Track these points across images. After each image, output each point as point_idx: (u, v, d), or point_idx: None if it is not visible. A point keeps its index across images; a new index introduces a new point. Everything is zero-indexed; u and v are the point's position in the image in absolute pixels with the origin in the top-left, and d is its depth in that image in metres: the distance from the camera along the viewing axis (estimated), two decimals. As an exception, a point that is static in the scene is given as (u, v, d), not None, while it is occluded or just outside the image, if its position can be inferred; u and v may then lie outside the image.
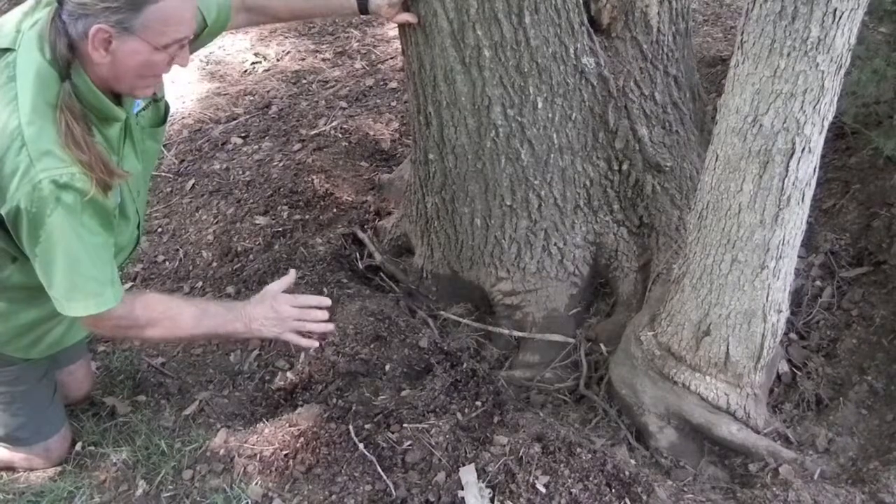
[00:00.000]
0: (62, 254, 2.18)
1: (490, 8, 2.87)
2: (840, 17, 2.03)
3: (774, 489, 2.56)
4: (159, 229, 4.38)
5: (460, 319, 3.60)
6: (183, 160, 4.98)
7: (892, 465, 2.58)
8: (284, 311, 2.58)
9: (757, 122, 2.25)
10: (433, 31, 2.99)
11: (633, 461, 2.79)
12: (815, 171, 2.34)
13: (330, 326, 2.66)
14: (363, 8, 2.92)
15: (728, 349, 2.71)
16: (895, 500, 2.45)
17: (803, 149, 2.25)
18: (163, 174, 4.84)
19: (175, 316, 2.49)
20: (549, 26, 2.95)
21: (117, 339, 2.76)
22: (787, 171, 2.28)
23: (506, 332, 3.48)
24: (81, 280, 2.24)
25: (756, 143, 2.28)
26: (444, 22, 2.94)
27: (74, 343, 2.85)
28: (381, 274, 3.93)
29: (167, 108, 2.66)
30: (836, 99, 2.22)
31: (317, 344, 2.69)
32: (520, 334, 3.44)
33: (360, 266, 3.96)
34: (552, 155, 3.21)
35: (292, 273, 2.75)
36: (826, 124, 2.25)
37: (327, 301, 2.66)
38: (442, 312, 3.65)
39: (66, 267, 2.20)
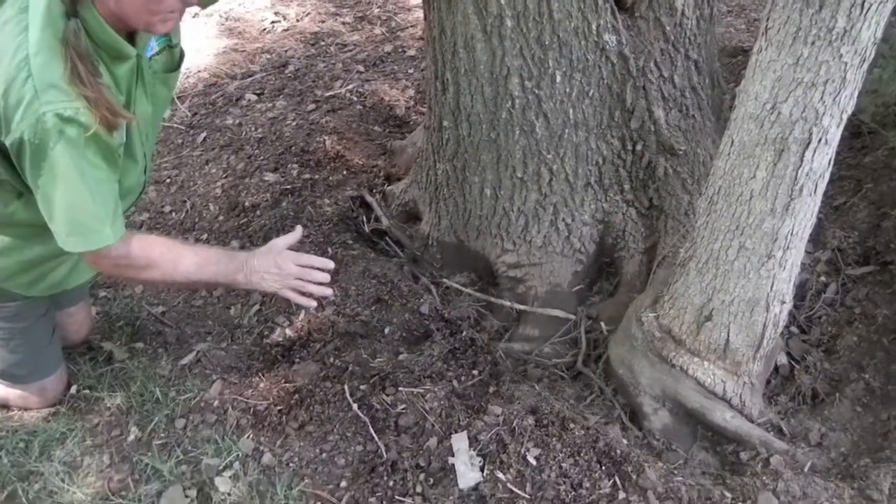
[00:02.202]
0: (63, 188, 2.18)
1: (515, -23, 2.86)
2: (868, 9, 2.01)
3: (764, 478, 2.56)
4: (168, 180, 4.38)
5: (463, 288, 3.60)
6: (196, 113, 4.97)
7: (882, 463, 2.58)
8: (287, 268, 2.59)
9: (775, 109, 2.23)
10: (456, -2, 2.98)
11: (625, 441, 2.79)
12: (829, 163, 2.33)
13: (328, 290, 2.67)
14: None
15: (728, 336, 2.71)
16: (884, 499, 2.45)
17: (820, 140, 2.23)
18: (175, 126, 4.84)
19: (175, 259, 2.49)
20: (573, 0, 2.93)
21: (117, 277, 2.77)
22: (801, 160, 2.27)
23: (507, 304, 3.47)
24: (81, 215, 2.25)
25: (773, 130, 2.26)
26: (467, -12, 2.92)
27: (77, 285, 2.85)
28: (387, 238, 3.93)
29: (182, 54, 2.65)
30: (856, 92, 2.21)
31: (314, 304, 2.68)
32: (521, 307, 3.44)
33: (367, 229, 3.96)
34: (567, 130, 3.20)
35: (299, 230, 2.74)
36: (845, 117, 2.24)
37: (330, 264, 2.66)
38: (445, 280, 3.65)
39: (66, 201, 2.21)
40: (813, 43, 2.09)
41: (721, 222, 2.53)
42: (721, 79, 3.63)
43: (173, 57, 2.61)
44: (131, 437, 2.87)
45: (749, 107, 2.31)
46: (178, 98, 5.11)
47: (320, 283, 2.64)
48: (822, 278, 3.28)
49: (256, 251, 2.62)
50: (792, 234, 2.45)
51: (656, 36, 3.16)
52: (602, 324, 3.29)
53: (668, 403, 2.88)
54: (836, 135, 2.27)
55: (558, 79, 3.08)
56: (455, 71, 3.18)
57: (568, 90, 3.12)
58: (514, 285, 3.48)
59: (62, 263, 2.71)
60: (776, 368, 3.03)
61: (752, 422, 2.82)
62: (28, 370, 2.93)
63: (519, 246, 3.45)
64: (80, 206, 2.23)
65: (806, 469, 2.64)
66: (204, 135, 4.71)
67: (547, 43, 3.00)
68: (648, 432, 2.88)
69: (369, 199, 4.08)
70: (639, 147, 3.28)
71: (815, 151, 2.26)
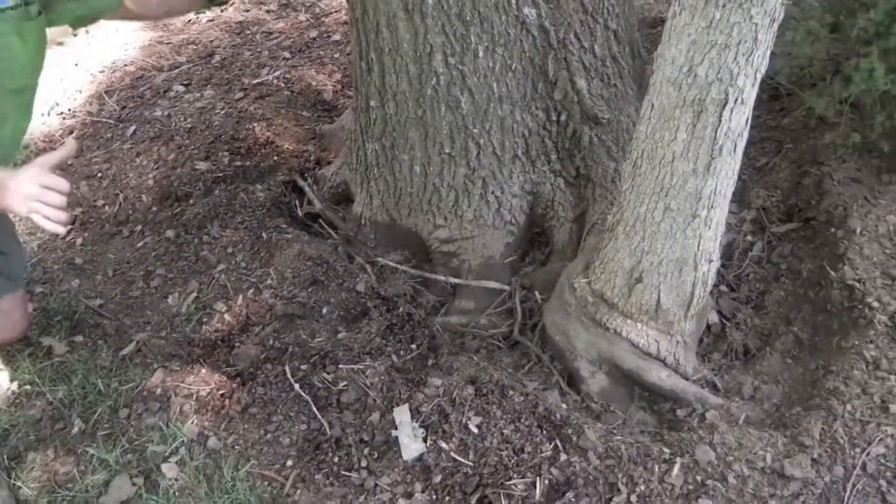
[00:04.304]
0: None
1: (434, -46, 2.88)
2: (773, -30, 2.07)
3: (701, 432, 2.62)
4: (99, 174, 4.34)
5: (398, 266, 3.62)
6: (124, 107, 4.94)
7: (813, 410, 2.65)
8: (25, 188, 2.29)
9: (692, 71, 2.28)
10: (377, -23, 2.99)
11: (564, 405, 2.84)
12: (747, 122, 2.39)
13: (63, 216, 2.31)
14: None
15: (659, 297, 2.76)
16: (815, 444, 2.52)
17: (736, 99, 2.29)
18: (104, 120, 4.80)
19: None
20: (492, -25, 2.96)
21: None
22: (720, 120, 2.32)
23: (442, 278, 3.51)
24: None
25: (690, 92, 2.31)
26: (387, -33, 2.94)
27: None
28: (321, 221, 3.95)
29: (40, 13, 2.61)
30: (768, 52, 2.26)
31: (62, 230, 2.36)
32: (456, 281, 3.48)
33: (300, 213, 3.98)
34: (492, 104, 3.23)
35: (70, 142, 2.52)
36: (759, 76, 2.29)
37: (65, 185, 2.32)
38: (379, 259, 3.67)
39: None
40: (724, 5, 2.14)
41: (646, 185, 2.58)
42: (641, 48, 3.69)
43: (29, 14, 2.56)
44: (75, 430, 2.88)
45: (666, 71, 2.35)
46: (106, 93, 5.08)
47: (55, 207, 2.30)
48: (749, 237, 3.35)
49: (19, 168, 2.36)
50: (715, 193, 2.50)
51: (575, 7, 3.20)
52: (536, 293, 3.34)
53: (604, 366, 2.93)
54: (751, 94, 2.32)
55: (481, 54, 3.11)
56: (379, 50, 3.19)
57: (491, 65, 3.15)
58: (448, 260, 3.52)
59: None
60: (708, 327, 3.10)
61: (687, 379, 2.88)
62: None
63: (450, 221, 3.49)
64: None
65: (740, 421, 2.71)
66: (133, 128, 4.68)
67: (468, 19, 3.02)
68: (587, 395, 2.94)
69: (301, 183, 4.09)
70: (563, 117, 3.33)
71: (732, 111, 2.31)
